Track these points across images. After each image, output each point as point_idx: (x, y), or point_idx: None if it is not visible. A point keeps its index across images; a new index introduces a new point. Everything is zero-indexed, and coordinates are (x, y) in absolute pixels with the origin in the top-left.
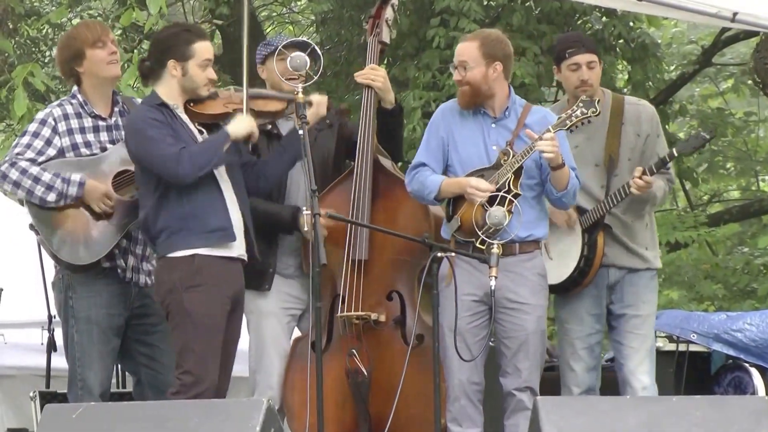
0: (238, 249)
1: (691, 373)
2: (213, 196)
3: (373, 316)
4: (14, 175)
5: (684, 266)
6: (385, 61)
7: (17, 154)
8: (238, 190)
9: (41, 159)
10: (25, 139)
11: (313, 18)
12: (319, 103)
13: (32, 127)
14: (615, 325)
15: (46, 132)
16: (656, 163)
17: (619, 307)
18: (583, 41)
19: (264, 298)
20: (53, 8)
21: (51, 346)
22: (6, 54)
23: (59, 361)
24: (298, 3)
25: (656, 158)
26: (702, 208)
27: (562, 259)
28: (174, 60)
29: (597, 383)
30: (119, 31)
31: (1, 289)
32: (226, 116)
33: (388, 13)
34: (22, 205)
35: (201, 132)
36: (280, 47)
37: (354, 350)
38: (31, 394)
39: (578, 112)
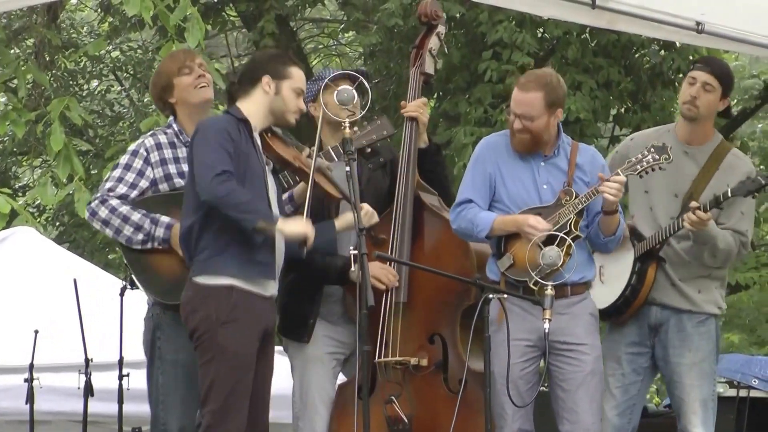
0: (272, 289)
1: (752, 419)
2: None
3: (413, 361)
4: (103, 213)
5: (745, 309)
6: (435, 96)
7: (108, 189)
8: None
9: (134, 193)
10: (117, 172)
11: (361, 51)
12: (366, 212)
13: (124, 159)
14: (663, 372)
15: (138, 163)
16: (711, 201)
17: (663, 352)
18: (713, 64)
19: (308, 344)
20: (91, 40)
21: (88, 391)
22: (42, 87)
23: (96, 407)
24: (346, 35)
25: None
26: (764, 248)
27: (611, 284)
28: (269, 76)
29: (631, 426)
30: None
31: (37, 331)
32: (289, 167)
33: (433, 42)
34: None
35: (268, 164)
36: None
37: (393, 396)
38: None
39: (649, 158)
